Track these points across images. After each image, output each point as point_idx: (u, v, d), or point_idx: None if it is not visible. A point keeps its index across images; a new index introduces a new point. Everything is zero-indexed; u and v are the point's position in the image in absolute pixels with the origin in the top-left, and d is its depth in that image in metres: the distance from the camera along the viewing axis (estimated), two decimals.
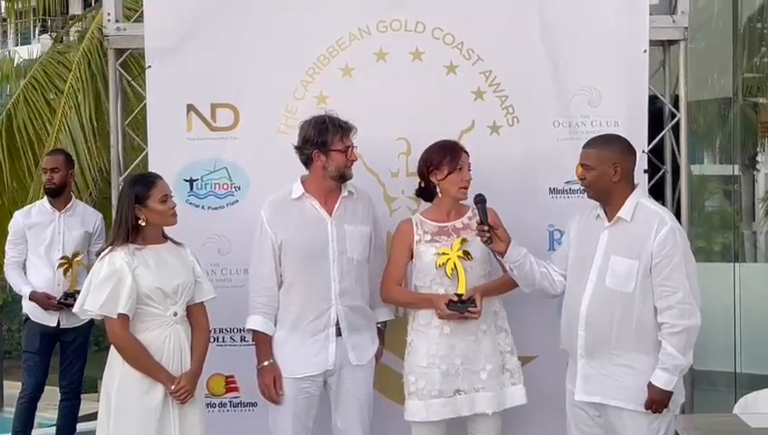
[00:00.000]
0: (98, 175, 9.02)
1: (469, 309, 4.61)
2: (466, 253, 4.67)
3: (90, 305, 4.50)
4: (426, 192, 4.88)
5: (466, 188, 4.76)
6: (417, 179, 5.15)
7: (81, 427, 6.77)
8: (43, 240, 6.41)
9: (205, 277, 4.77)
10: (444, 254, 4.68)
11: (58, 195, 6.52)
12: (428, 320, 4.71)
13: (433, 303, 4.66)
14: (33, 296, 6.34)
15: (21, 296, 6.67)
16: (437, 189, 4.80)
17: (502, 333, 4.78)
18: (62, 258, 6.39)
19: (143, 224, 4.54)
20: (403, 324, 5.06)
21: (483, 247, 4.66)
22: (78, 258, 6.43)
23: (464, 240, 4.70)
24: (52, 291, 6.34)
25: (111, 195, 5.69)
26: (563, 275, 4.59)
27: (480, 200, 4.58)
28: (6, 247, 6.48)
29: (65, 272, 6.37)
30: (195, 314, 4.68)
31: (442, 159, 4.75)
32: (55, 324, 6.39)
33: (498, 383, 4.71)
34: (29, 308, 6.41)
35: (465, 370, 4.66)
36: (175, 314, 4.57)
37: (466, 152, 4.81)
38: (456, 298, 4.63)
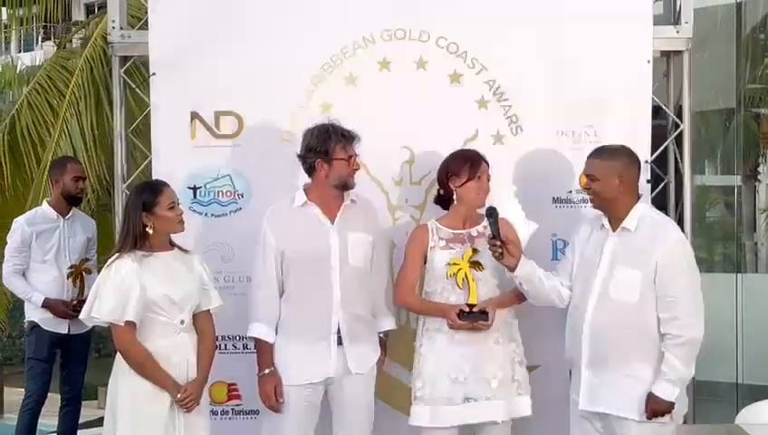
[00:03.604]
0: (97, 183, 9.01)
1: (480, 322, 4.61)
2: (477, 263, 4.67)
3: (97, 313, 4.49)
4: (443, 200, 4.87)
5: (484, 196, 4.76)
6: (421, 188, 5.17)
7: (81, 433, 6.75)
8: (51, 247, 6.36)
9: (212, 285, 4.76)
10: (455, 264, 4.68)
11: (80, 202, 6.52)
12: (438, 326, 4.70)
13: (445, 313, 4.65)
14: (48, 304, 6.29)
15: (21, 303, 6.64)
16: (455, 196, 4.80)
17: (513, 343, 4.77)
18: (70, 266, 6.37)
19: (151, 231, 4.53)
20: (406, 333, 5.08)
21: None
22: (87, 265, 6.41)
23: (475, 250, 4.69)
24: (61, 298, 6.31)
25: (115, 202, 5.70)
26: (569, 287, 4.58)
27: (491, 214, 4.56)
28: (8, 254, 6.38)
29: (74, 280, 6.35)
30: (201, 321, 4.67)
31: (462, 166, 4.76)
32: (66, 332, 6.37)
33: (508, 392, 4.70)
34: (38, 316, 6.35)
35: (476, 378, 4.65)
36: (182, 322, 4.56)
37: (487, 163, 4.81)
38: (467, 308, 4.62)
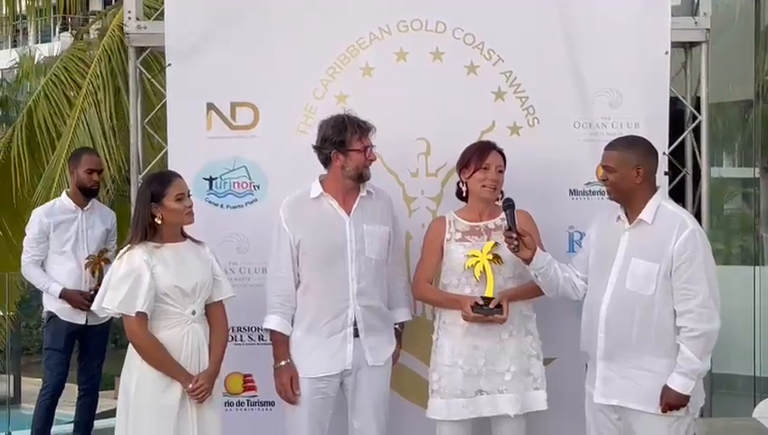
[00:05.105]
0: (116, 173, 9.02)
1: (495, 315, 4.59)
2: (497, 256, 4.64)
3: (108, 303, 4.51)
4: (461, 192, 4.84)
5: (491, 187, 4.72)
6: (437, 179, 5.16)
7: (98, 424, 6.79)
8: (69, 238, 6.37)
9: (224, 276, 4.77)
10: (473, 256, 4.65)
11: (95, 194, 6.54)
12: (454, 319, 4.69)
13: (460, 304, 4.64)
14: (65, 294, 6.31)
15: (38, 293, 6.65)
16: (464, 188, 4.78)
17: (529, 336, 4.75)
18: (88, 257, 6.38)
19: (159, 222, 4.54)
20: (421, 325, 5.08)
21: None
22: (106, 255, 6.41)
23: (495, 244, 4.66)
24: (79, 289, 6.33)
25: (131, 192, 5.71)
26: (585, 280, 4.57)
27: (508, 206, 4.53)
28: (27, 245, 6.41)
29: (93, 270, 6.36)
30: (213, 312, 4.69)
31: (470, 158, 4.74)
32: (84, 322, 6.39)
33: (522, 386, 4.68)
34: (56, 306, 6.37)
35: (489, 371, 4.65)
36: (193, 313, 4.57)
37: (500, 153, 4.78)
38: (481, 301, 4.60)
